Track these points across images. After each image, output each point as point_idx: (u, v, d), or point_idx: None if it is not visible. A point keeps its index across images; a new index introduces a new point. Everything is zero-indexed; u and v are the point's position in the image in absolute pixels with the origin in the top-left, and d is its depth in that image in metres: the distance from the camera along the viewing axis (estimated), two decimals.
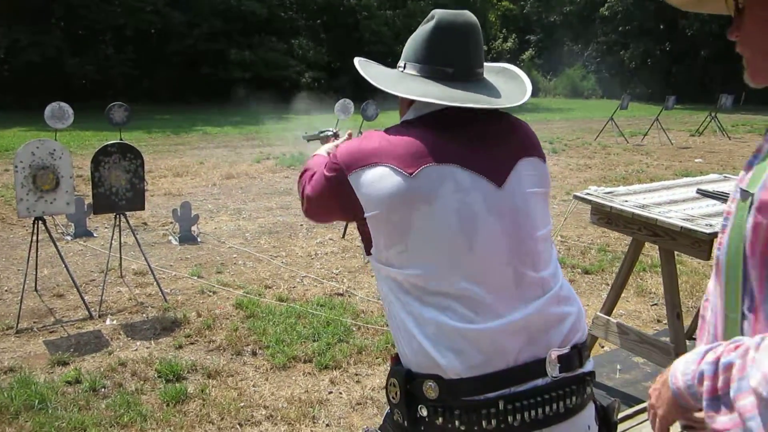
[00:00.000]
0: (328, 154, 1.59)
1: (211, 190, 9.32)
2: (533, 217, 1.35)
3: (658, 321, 4.65)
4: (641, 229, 3.14)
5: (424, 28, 1.41)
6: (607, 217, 3.32)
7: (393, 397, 1.32)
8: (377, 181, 1.29)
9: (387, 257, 1.32)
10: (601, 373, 3.89)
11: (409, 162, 1.29)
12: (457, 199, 1.28)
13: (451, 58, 1.39)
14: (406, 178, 1.27)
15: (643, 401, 3.46)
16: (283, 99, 24.41)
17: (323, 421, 3.30)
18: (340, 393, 3.59)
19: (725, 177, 4.18)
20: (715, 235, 2.80)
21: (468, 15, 1.40)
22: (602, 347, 4.15)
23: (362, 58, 1.53)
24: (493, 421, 1.22)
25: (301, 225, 7.21)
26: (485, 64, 1.47)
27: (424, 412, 1.26)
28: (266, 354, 4.00)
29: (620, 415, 2.90)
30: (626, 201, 3.27)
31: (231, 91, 23.78)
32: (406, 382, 1.28)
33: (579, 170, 11.29)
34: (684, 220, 2.94)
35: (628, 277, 3.55)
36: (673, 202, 3.31)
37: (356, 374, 3.79)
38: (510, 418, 1.22)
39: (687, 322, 4.32)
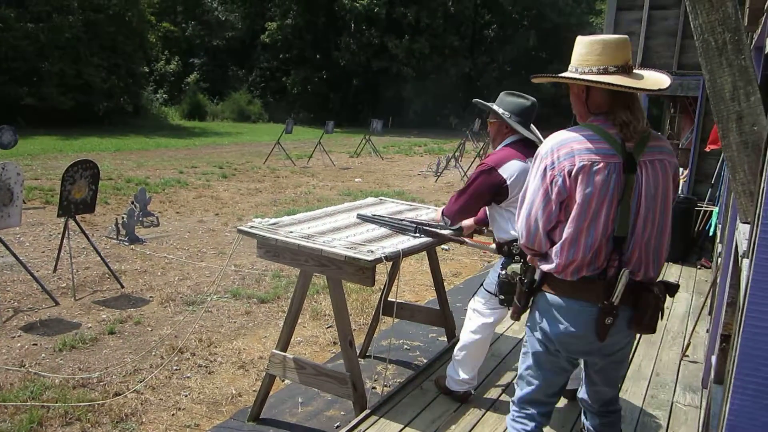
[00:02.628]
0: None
1: None
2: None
3: (335, 343, 4.71)
4: (308, 260, 3.06)
5: (523, 102, 3.11)
6: (273, 250, 3.18)
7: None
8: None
9: None
10: (283, 411, 3.75)
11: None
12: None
13: (529, 119, 3.13)
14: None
15: None
16: None
17: None
18: None
19: (381, 200, 4.41)
20: (378, 261, 2.84)
21: (535, 101, 3.14)
22: (283, 380, 4.01)
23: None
24: None
25: None
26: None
27: None
28: None
29: None
30: (291, 232, 3.17)
31: None
32: None
33: (250, 194, 11.26)
34: (348, 248, 2.93)
35: (300, 309, 3.46)
36: (336, 230, 3.31)
37: None
38: None
39: (360, 340, 4.45)
